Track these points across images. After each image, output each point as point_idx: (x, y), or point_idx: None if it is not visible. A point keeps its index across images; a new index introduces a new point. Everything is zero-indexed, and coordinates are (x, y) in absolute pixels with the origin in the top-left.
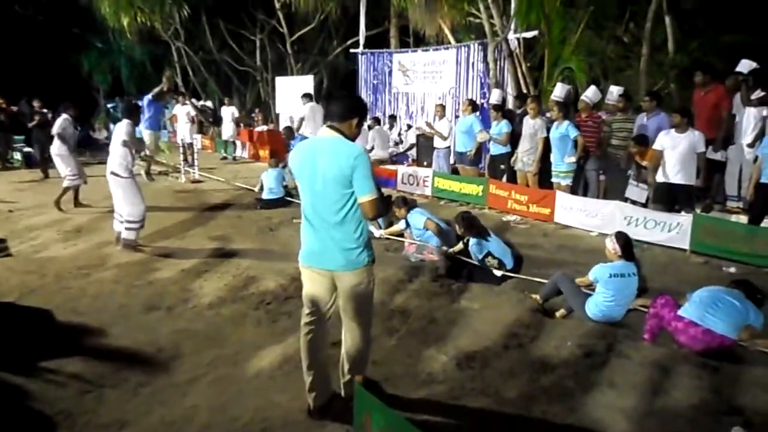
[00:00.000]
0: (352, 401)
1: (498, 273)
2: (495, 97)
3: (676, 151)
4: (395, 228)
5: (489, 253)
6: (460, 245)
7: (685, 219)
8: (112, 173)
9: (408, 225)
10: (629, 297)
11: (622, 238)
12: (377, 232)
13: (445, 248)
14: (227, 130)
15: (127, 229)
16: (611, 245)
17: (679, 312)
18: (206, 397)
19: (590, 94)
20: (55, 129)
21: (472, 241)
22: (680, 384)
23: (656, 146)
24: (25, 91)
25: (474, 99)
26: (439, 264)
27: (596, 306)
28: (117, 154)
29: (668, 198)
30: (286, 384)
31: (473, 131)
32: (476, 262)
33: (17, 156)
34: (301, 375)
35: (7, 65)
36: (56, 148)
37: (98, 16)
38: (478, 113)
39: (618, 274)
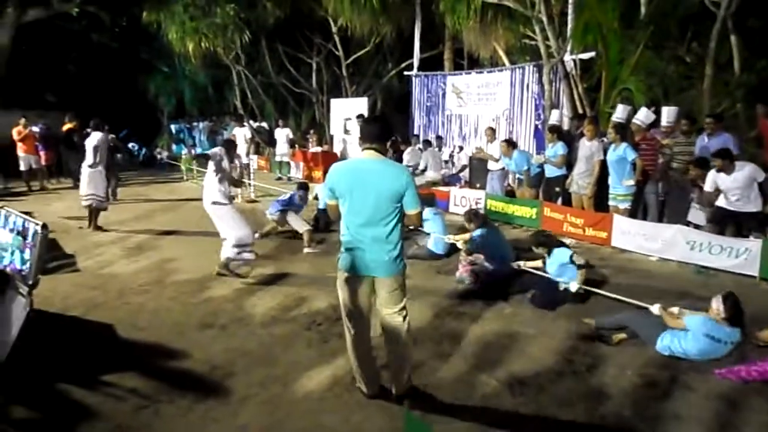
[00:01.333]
0: (409, 392)
1: (573, 287)
2: (554, 117)
3: (731, 191)
4: (464, 236)
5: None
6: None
7: (753, 244)
8: (214, 203)
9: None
10: (711, 356)
11: (731, 301)
12: (447, 239)
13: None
14: (281, 150)
15: (239, 253)
16: (716, 305)
17: None
18: (257, 417)
19: (642, 116)
20: (94, 142)
21: (550, 258)
22: (750, 420)
23: (707, 187)
24: (96, 113)
25: (525, 122)
26: (468, 279)
27: (672, 346)
28: (214, 184)
29: (725, 221)
30: (335, 406)
31: (520, 169)
32: (551, 279)
33: None
34: (351, 397)
35: (83, 89)
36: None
37: (165, 42)
38: (518, 150)
39: (717, 338)
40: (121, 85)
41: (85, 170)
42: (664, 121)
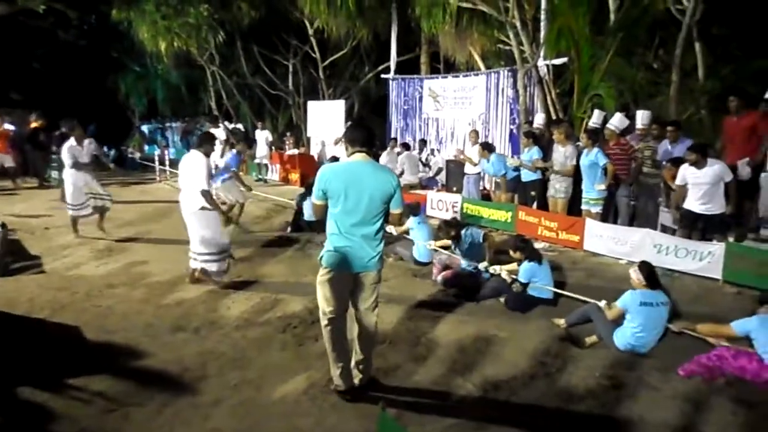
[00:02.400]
0: (369, 383)
1: (549, 293)
2: (538, 120)
3: (698, 187)
4: (446, 242)
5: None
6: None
7: (717, 248)
8: (203, 208)
9: (460, 241)
10: (658, 327)
11: (646, 268)
12: (428, 245)
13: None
14: (261, 152)
15: (222, 259)
16: (635, 275)
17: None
18: (229, 421)
19: (616, 121)
20: (68, 159)
21: (526, 264)
22: (713, 420)
23: (678, 181)
24: (65, 112)
25: (500, 126)
26: (440, 276)
27: (624, 337)
28: (197, 188)
29: (693, 225)
30: (310, 409)
31: (497, 173)
32: (520, 284)
33: (54, 174)
34: (326, 400)
35: (49, 88)
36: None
37: (136, 40)
38: (493, 155)
39: (647, 302)
40: (89, 83)
41: (78, 175)
42: (639, 124)
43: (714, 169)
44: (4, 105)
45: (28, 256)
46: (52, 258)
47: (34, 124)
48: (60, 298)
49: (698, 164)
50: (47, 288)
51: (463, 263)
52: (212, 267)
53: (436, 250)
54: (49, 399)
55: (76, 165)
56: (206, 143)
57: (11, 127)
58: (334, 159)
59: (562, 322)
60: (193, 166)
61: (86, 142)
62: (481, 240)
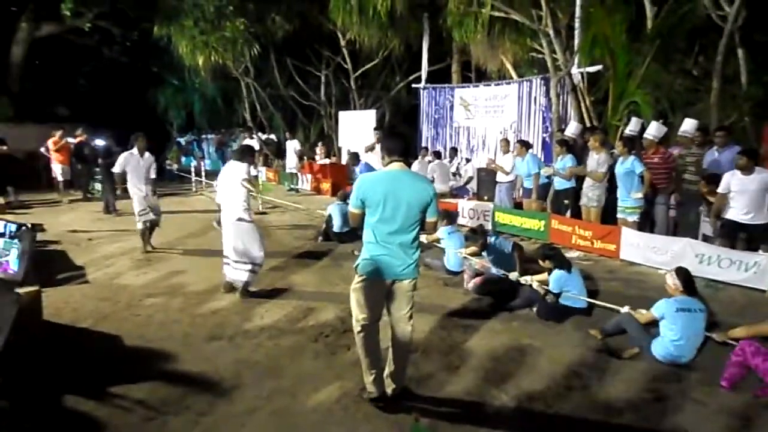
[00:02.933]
0: (402, 393)
1: (582, 303)
2: (572, 129)
3: (745, 195)
4: (474, 249)
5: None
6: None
7: (763, 258)
8: (239, 219)
9: (487, 249)
10: (698, 335)
11: (683, 273)
12: (461, 252)
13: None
14: (291, 163)
15: (251, 272)
16: (671, 281)
17: None
18: (264, 429)
19: (653, 130)
20: (117, 165)
21: (556, 272)
22: None
23: (722, 189)
24: (107, 125)
25: (533, 134)
26: (472, 284)
27: (663, 346)
28: (239, 199)
29: (734, 235)
30: (343, 418)
31: (530, 173)
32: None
33: (97, 186)
34: (359, 409)
35: (94, 103)
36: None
37: (175, 55)
38: (532, 150)
39: (684, 308)
40: (131, 98)
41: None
42: (683, 132)
43: (762, 176)
44: (52, 120)
45: (73, 266)
46: (95, 268)
47: (79, 138)
48: (102, 307)
49: (747, 170)
50: (91, 297)
51: (494, 270)
52: (242, 276)
53: (466, 258)
54: (92, 408)
55: (123, 174)
56: (248, 155)
57: (73, 140)
58: (356, 156)
59: (597, 332)
60: (235, 176)
61: (146, 155)
62: (509, 249)
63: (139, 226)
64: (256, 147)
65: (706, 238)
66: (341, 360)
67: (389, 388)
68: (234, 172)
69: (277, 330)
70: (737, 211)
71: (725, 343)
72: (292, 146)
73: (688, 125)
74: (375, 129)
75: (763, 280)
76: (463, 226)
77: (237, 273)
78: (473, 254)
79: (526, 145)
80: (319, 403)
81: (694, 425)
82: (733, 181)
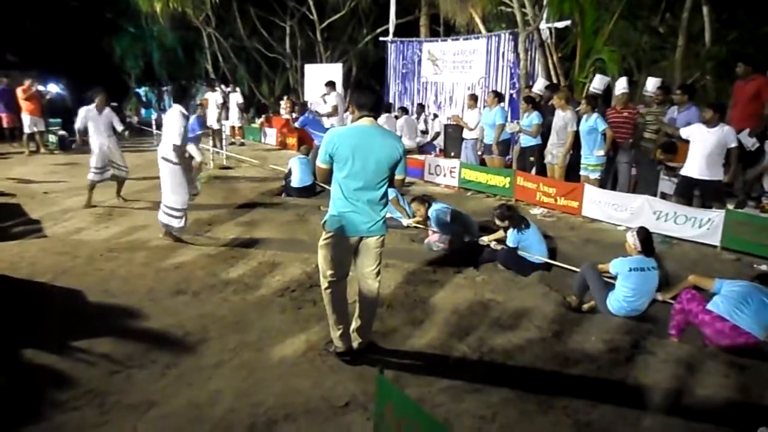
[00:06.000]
0: (367, 346)
1: (539, 260)
2: (538, 86)
3: (703, 147)
4: (419, 219)
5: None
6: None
7: (716, 215)
8: (164, 158)
9: (429, 219)
10: (650, 292)
11: (643, 233)
12: (405, 221)
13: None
14: (233, 116)
15: (170, 216)
16: (632, 240)
17: (708, 306)
18: (231, 382)
19: (624, 85)
20: (78, 121)
21: (512, 231)
22: (706, 382)
23: (683, 133)
24: (60, 74)
25: (500, 90)
26: (437, 245)
27: (617, 301)
28: (170, 137)
29: (690, 192)
30: (309, 371)
31: (495, 123)
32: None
33: (52, 138)
34: (324, 362)
35: (44, 50)
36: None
37: (131, 1)
38: (503, 104)
39: (637, 268)
40: (85, 45)
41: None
42: (649, 92)
43: (724, 130)
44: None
45: (28, 220)
46: (53, 222)
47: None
48: (61, 262)
49: (710, 123)
50: (49, 252)
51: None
52: (163, 219)
53: (416, 226)
54: (54, 361)
55: (85, 129)
56: (181, 97)
57: (44, 89)
58: (304, 106)
59: (573, 298)
60: (170, 121)
61: (106, 110)
62: (448, 219)
63: (90, 177)
64: (220, 100)
65: (663, 196)
66: (307, 314)
67: (355, 342)
68: (170, 116)
69: (243, 285)
70: (693, 167)
71: (667, 303)
72: (235, 99)
73: (650, 84)
74: (328, 84)
75: (716, 236)
76: (430, 182)
77: (161, 215)
78: (420, 223)
79: (499, 97)
80: (285, 356)
81: (644, 374)
82: (696, 132)
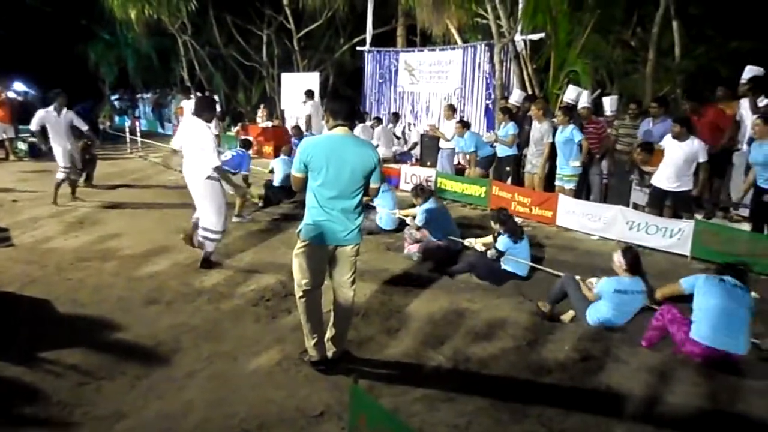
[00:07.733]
0: (342, 355)
1: (516, 271)
2: (515, 97)
3: (672, 160)
4: (411, 211)
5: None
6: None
7: (686, 225)
8: (208, 177)
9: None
10: (632, 312)
11: (630, 254)
12: (395, 213)
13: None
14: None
15: (207, 239)
16: (618, 258)
17: (692, 335)
18: (203, 392)
19: (585, 100)
20: (33, 123)
21: (504, 236)
22: (677, 390)
23: (662, 145)
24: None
25: (476, 100)
26: (416, 255)
27: (596, 313)
28: (208, 163)
29: (661, 203)
30: (283, 381)
31: (468, 150)
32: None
33: (21, 146)
34: (299, 372)
35: (14, 55)
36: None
37: (106, 7)
38: (470, 129)
39: (623, 290)
40: (58, 51)
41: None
42: (607, 111)
43: (693, 145)
44: None
45: None
46: (21, 231)
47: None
48: (30, 271)
49: (681, 137)
50: (16, 261)
51: (431, 237)
52: (207, 247)
53: (403, 222)
54: (20, 373)
55: (43, 131)
56: (206, 111)
57: (16, 96)
58: (297, 129)
59: (544, 305)
60: (198, 138)
61: (64, 111)
62: (436, 220)
63: (59, 176)
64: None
65: (636, 206)
66: (282, 324)
67: (330, 351)
68: (195, 133)
69: (217, 294)
70: (664, 178)
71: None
72: (189, 107)
73: (607, 104)
74: (307, 93)
75: (686, 246)
76: (406, 191)
77: (203, 239)
78: (410, 214)
79: (465, 125)
80: (259, 366)
81: (616, 382)
82: (668, 144)
